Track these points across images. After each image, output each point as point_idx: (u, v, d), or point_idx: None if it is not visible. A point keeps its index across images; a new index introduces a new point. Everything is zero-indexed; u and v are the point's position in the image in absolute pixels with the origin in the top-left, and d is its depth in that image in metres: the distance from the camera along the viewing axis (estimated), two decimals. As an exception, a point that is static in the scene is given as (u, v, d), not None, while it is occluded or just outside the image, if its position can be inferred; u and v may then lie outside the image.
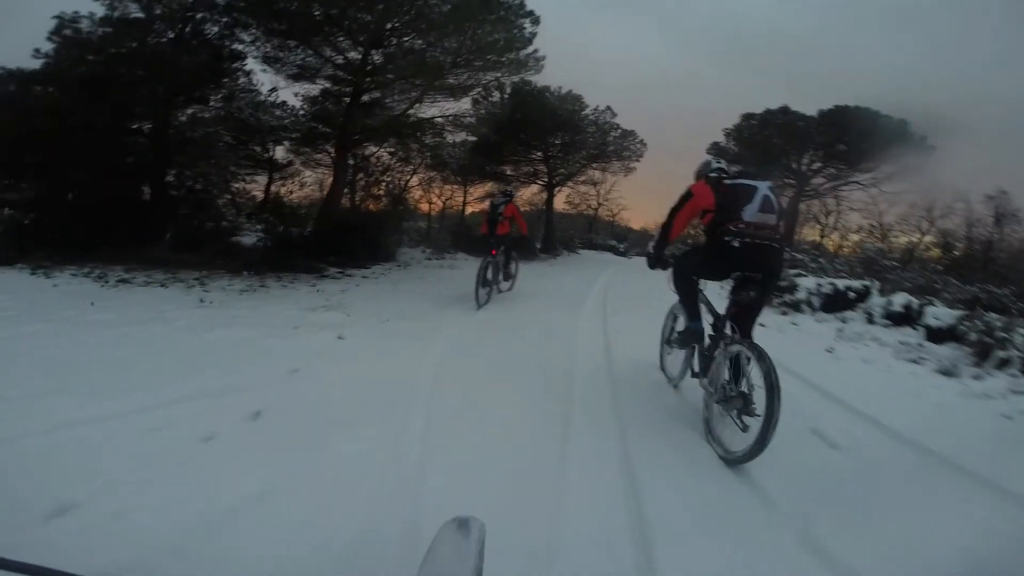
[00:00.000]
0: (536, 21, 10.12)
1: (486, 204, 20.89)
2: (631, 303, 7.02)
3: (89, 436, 2.08)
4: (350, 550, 1.53)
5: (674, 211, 2.78)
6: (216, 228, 9.44)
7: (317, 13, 8.70)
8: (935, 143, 17.92)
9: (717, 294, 3.01)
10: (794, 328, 5.90)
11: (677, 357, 3.33)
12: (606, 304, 6.72)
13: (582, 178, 21.52)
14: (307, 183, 17.70)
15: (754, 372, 2.26)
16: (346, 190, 13.74)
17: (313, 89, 11.34)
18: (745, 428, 2.25)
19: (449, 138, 14.22)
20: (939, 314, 5.95)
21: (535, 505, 1.85)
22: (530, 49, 10.45)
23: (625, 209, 36.71)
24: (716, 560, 1.64)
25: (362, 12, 8.76)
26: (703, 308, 2.95)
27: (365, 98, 10.54)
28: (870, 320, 6.38)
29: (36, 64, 8.34)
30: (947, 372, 4.34)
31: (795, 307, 7.25)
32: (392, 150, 15.02)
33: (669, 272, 3.02)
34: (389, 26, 9.25)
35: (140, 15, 8.91)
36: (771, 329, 5.70)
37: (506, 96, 15.63)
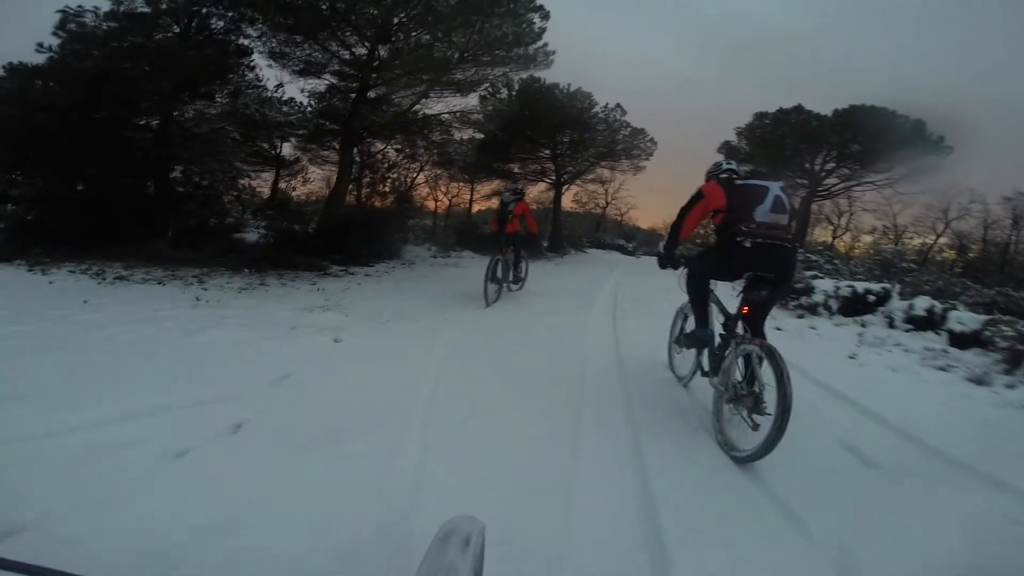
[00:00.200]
0: (546, 16, 9.93)
1: (494, 201, 20.85)
2: (642, 304, 6.83)
3: (45, 451, 1.89)
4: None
5: (684, 211, 2.76)
6: (219, 225, 9.32)
7: (324, 7, 8.59)
8: (952, 143, 17.49)
9: (728, 294, 2.93)
10: (813, 333, 5.65)
11: (686, 356, 3.32)
12: (616, 307, 6.50)
13: (590, 176, 21.37)
14: (314, 180, 17.69)
15: (765, 371, 2.25)
16: (352, 187, 13.64)
17: (320, 85, 11.23)
18: (756, 427, 2.25)
19: (456, 135, 14.11)
20: (963, 318, 5.69)
21: (543, 527, 1.69)
22: (539, 44, 10.25)
23: (633, 208, 36.57)
24: None
25: (369, 6, 8.63)
26: (714, 308, 2.95)
27: (371, 94, 10.42)
28: (891, 324, 6.12)
29: (40, 59, 8.25)
30: (978, 380, 4.10)
31: (812, 310, 7.01)
32: (399, 147, 14.92)
33: (680, 272, 3.01)
34: (396, 20, 9.12)
35: (146, 10, 8.81)
36: (789, 333, 5.47)
37: (514, 93, 15.44)
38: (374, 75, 9.96)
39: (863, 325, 6.12)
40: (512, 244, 6.47)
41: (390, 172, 16.45)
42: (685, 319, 3.51)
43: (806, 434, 2.60)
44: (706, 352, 2.94)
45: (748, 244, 2.42)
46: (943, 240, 22.97)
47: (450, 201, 24.83)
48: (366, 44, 9.56)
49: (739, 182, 2.65)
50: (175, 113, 9.51)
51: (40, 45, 8.23)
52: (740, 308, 2.65)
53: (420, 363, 3.43)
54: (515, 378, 3.29)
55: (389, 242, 10.33)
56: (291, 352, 3.43)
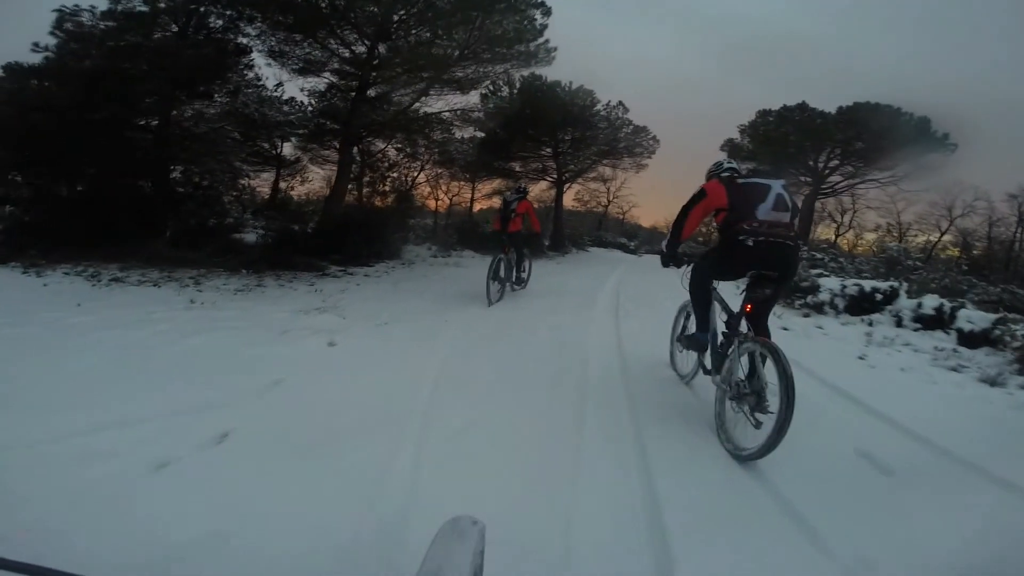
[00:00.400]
0: (547, 12, 9.82)
1: (495, 200, 20.76)
2: (644, 302, 6.73)
3: (15, 463, 1.79)
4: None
5: (686, 209, 2.76)
6: (219, 225, 9.24)
7: (323, 5, 8.51)
8: (957, 140, 17.34)
9: (733, 294, 2.90)
10: (820, 332, 5.54)
11: (688, 355, 3.31)
12: (618, 306, 6.40)
13: (592, 175, 21.24)
14: (315, 179, 17.64)
15: (768, 369, 2.26)
16: (352, 187, 13.56)
17: (319, 83, 11.17)
18: (758, 425, 2.25)
19: (457, 133, 14.01)
20: (973, 317, 5.59)
21: (544, 527, 1.63)
22: (540, 40, 10.14)
23: (635, 207, 36.45)
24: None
25: (369, 4, 8.55)
26: (717, 307, 2.95)
27: (371, 92, 10.33)
28: (899, 323, 6.01)
29: (36, 59, 8.17)
30: (992, 381, 4.00)
31: (818, 309, 6.90)
32: (399, 146, 14.83)
33: (683, 270, 3.04)
34: (396, 18, 9.02)
35: (144, 9, 8.73)
36: (796, 333, 5.36)
37: (515, 90, 15.33)
38: (374, 73, 9.87)
39: (871, 324, 6.01)
40: (515, 243, 6.40)
41: (391, 171, 16.39)
42: (687, 317, 3.49)
43: (820, 438, 2.53)
44: (708, 351, 2.93)
45: (751, 243, 2.43)
46: (947, 238, 22.84)
47: (451, 200, 24.76)
48: (366, 42, 9.46)
49: (741, 181, 2.65)
50: (174, 113, 9.43)
51: (36, 45, 8.16)
52: (743, 306, 2.65)
53: (418, 367, 3.33)
54: (516, 379, 3.22)
55: (389, 242, 10.24)
56: (284, 357, 3.32)
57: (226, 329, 3.89)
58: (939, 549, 1.72)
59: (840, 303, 6.81)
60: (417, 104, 10.99)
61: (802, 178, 20.42)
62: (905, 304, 6.23)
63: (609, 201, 28.77)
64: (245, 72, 10.56)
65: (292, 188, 17.11)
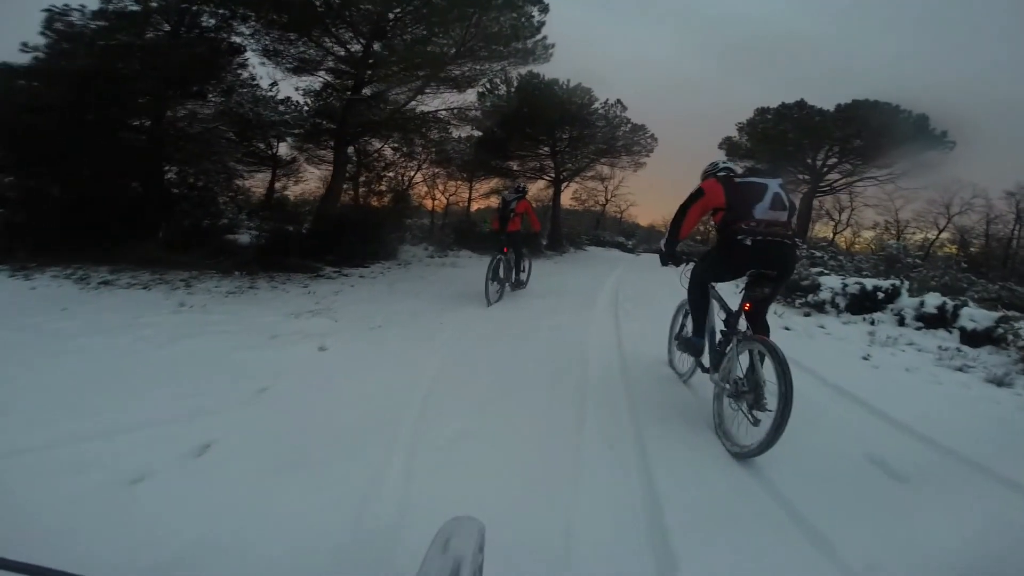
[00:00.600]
0: (544, 9, 9.72)
1: (492, 200, 20.65)
2: (643, 301, 6.66)
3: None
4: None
5: (684, 208, 2.77)
6: (212, 226, 9.12)
7: (318, 3, 8.39)
8: (955, 138, 17.31)
9: (731, 292, 2.93)
10: (822, 332, 5.46)
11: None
12: (618, 306, 6.31)
13: (590, 173, 21.19)
14: (310, 179, 17.52)
15: (767, 368, 2.26)
16: (348, 186, 13.45)
17: (314, 83, 11.05)
18: (756, 422, 2.27)
19: (454, 132, 13.89)
20: (975, 315, 5.53)
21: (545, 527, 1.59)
22: (538, 37, 10.04)
23: (633, 205, 36.39)
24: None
25: (364, 1, 8.43)
26: (715, 306, 2.97)
27: (367, 91, 10.21)
28: (901, 322, 5.94)
29: (24, 59, 8.04)
30: (999, 382, 3.93)
31: (819, 308, 6.82)
32: (396, 145, 14.72)
33: (682, 269, 3.06)
34: (391, 15, 8.91)
35: (136, 8, 8.61)
36: (799, 333, 5.28)
37: (513, 89, 15.23)
38: (369, 72, 9.78)
39: (873, 323, 5.94)
40: (514, 243, 6.31)
41: (387, 171, 16.28)
42: (685, 316, 3.52)
43: (826, 442, 2.48)
44: (706, 349, 2.94)
45: (748, 242, 2.45)
46: (945, 235, 22.84)
47: (448, 200, 24.64)
48: (361, 40, 9.35)
49: (738, 180, 2.67)
50: (168, 113, 9.32)
51: (25, 45, 8.03)
52: (742, 305, 2.68)
53: (414, 370, 3.23)
54: (516, 380, 3.18)
55: (385, 242, 10.13)
56: (272, 362, 3.20)
57: (214, 334, 3.77)
58: (940, 549, 1.71)
59: (841, 302, 6.73)
60: (413, 103, 10.90)
61: (800, 176, 20.39)
62: (907, 303, 6.16)
63: (607, 200, 28.72)
64: (239, 72, 10.43)
65: (285, 188, 17.00)
